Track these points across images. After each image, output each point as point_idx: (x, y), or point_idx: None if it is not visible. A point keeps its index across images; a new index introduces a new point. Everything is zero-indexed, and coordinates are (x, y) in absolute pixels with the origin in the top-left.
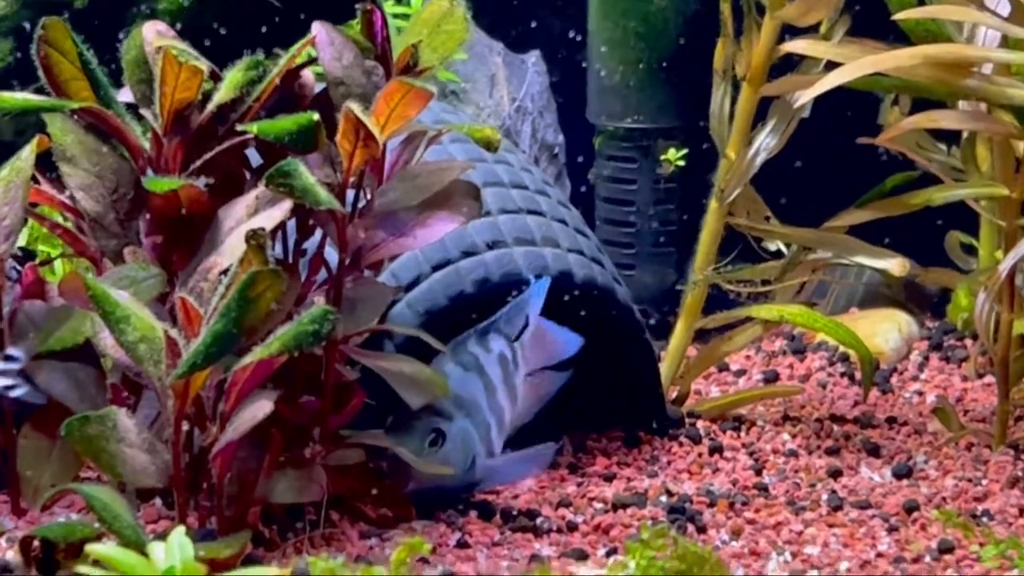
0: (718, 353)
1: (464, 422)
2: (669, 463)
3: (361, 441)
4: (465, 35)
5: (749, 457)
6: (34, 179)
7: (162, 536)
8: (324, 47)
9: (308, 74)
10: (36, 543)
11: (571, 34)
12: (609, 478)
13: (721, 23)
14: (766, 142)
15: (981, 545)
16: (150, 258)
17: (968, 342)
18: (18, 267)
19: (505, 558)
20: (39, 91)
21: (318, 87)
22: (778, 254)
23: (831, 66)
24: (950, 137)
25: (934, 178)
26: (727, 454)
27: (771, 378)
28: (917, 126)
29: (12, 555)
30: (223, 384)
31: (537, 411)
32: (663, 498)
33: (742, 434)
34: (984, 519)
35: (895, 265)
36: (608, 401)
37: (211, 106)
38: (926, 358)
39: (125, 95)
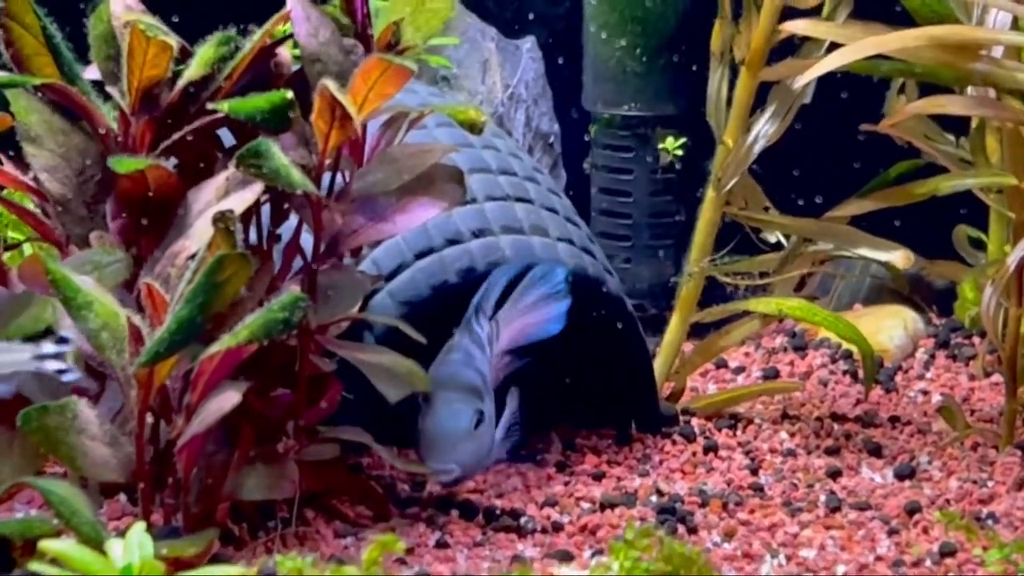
0: (714, 348)
1: (488, 402)
2: (661, 462)
3: (337, 436)
4: (450, 13)
5: (745, 456)
6: None
7: (124, 533)
8: (300, 23)
9: (284, 52)
10: None
11: (567, 19)
12: (598, 477)
13: (719, 4)
14: (765, 129)
15: (985, 549)
16: (117, 242)
17: (976, 340)
18: None
19: (486, 559)
20: (1, 68)
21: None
22: (777, 246)
23: (833, 49)
24: (959, 128)
25: (942, 170)
26: (722, 453)
27: (771, 375)
28: (922, 111)
29: None
30: (190, 375)
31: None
32: (653, 498)
33: (738, 432)
34: (989, 522)
35: (899, 257)
36: (599, 397)
37: (181, 84)
38: (932, 356)
39: (92, 72)
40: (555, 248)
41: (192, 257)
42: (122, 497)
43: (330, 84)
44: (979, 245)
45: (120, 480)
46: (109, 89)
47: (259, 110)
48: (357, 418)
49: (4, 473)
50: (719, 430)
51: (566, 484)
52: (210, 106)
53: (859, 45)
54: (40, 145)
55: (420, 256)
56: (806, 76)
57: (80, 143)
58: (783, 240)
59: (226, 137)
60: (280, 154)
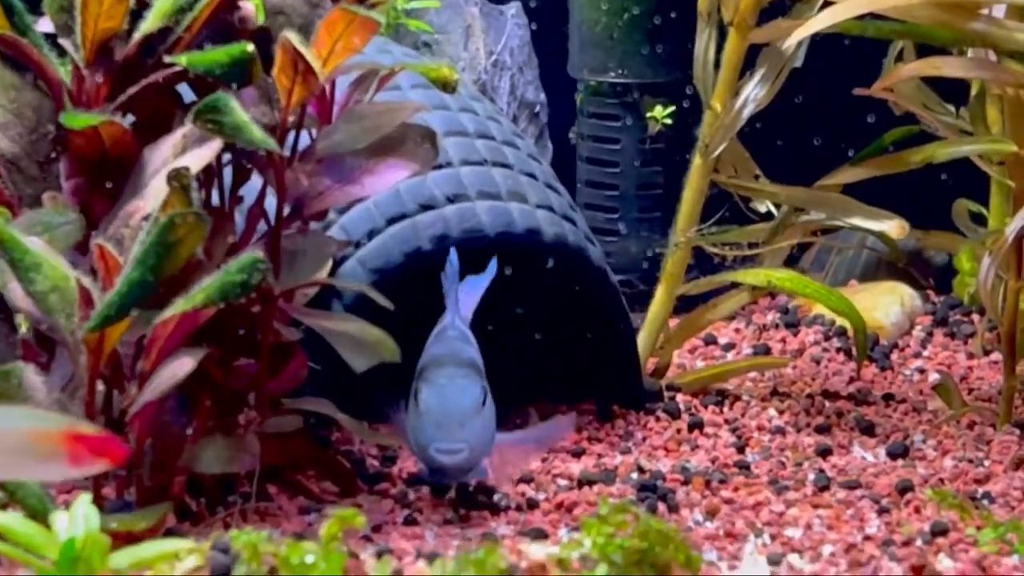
0: (701, 322)
1: (487, 385)
2: (644, 439)
3: (301, 408)
4: None
5: (731, 434)
6: None
7: None
8: None
9: (248, 5)
10: None
11: None
12: (578, 454)
13: None
14: (754, 93)
15: (979, 528)
16: (70, 203)
17: (975, 317)
18: None
19: (456, 537)
20: None
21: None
22: (768, 215)
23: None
24: (959, 98)
25: (940, 139)
26: (708, 430)
27: (762, 352)
28: (917, 74)
29: None
30: (144, 341)
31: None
32: (634, 475)
33: (725, 409)
34: (984, 502)
35: (893, 227)
36: (580, 371)
37: (138, 36)
38: (930, 334)
39: (44, 24)
40: (534, 215)
41: (147, 218)
42: None
43: (292, 36)
44: (980, 221)
45: None
46: (62, 42)
47: (218, 63)
48: (327, 391)
49: None
50: (705, 407)
51: (543, 460)
52: (167, 59)
53: (851, 3)
54: None
55: (392, 222)
56: (796, 35)
57: (32, 99)
58: (773, 210)
59: (187, 94)
60: (240, 110)
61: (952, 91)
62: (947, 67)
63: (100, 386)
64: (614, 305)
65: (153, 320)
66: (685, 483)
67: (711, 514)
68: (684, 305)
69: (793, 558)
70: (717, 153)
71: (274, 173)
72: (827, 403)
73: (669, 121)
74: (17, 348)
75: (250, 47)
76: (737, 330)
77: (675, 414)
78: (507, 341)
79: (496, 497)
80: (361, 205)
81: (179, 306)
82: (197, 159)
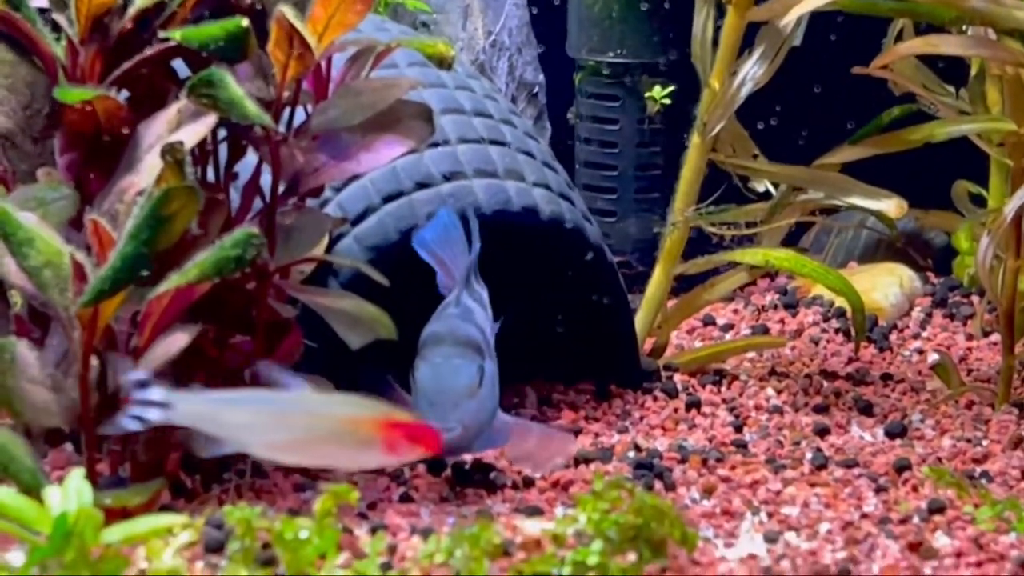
0: (699, 302)
1: (490, 362)
2: (641, 418)
3: None
4: None
5: (729, 413)
6: None
7: None
8: None
9: None
10: None
11: None
12: (575, 433)
13: None
14: (753, 71)
15: (976, 506)
16: (65, 178)
17: (975, 299)
18: None
19: (452, 514)
20: None
21: None
22: (766, 195)
23: None
24: (958, 80)
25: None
26: (705, 410)
27: (760, 333)
28: (915, 52)
29: None
30: (138, 317)
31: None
32: (631, 454)
33: (723, 389)
34: (983, 481)
35: (892, 206)
36: (577, 350)
37: (133, 11)
38: (929, 315)
39: (39, 0)
40: (531, 193)
41: (141, 193)
42: (69, 447)
43: (287, 11)
44: (980, 203)
45: (63, 426)
46: (56, 17)
47: (213, 38)
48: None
49: None
50: (703, 386)
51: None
52: (162, 34)
53: None
54: None
55: (389, 200)
56: (794, 13)
57: (27, 75)
58: (772, 189)
59: (182, 70)
60: (235, 84)
61: (952, 73)
62: (945, 45)
63: (94, 362)
64: (612, 284)
65: (147, 295)
66: (682, 462)
67: (708, 492)
68: (683, 285)
69: (790, 536)
70: (715, 132)
71: (269, 149)
72: (825, 383)
73: (668, 101)
74: (11, 323)
75: (245, 22)
76: (736, 311)
77: (672, 393)
78: (504, 320)
79: (493, 475)
80: (357, 183)
81: (173, 281)
82: (191, 134)
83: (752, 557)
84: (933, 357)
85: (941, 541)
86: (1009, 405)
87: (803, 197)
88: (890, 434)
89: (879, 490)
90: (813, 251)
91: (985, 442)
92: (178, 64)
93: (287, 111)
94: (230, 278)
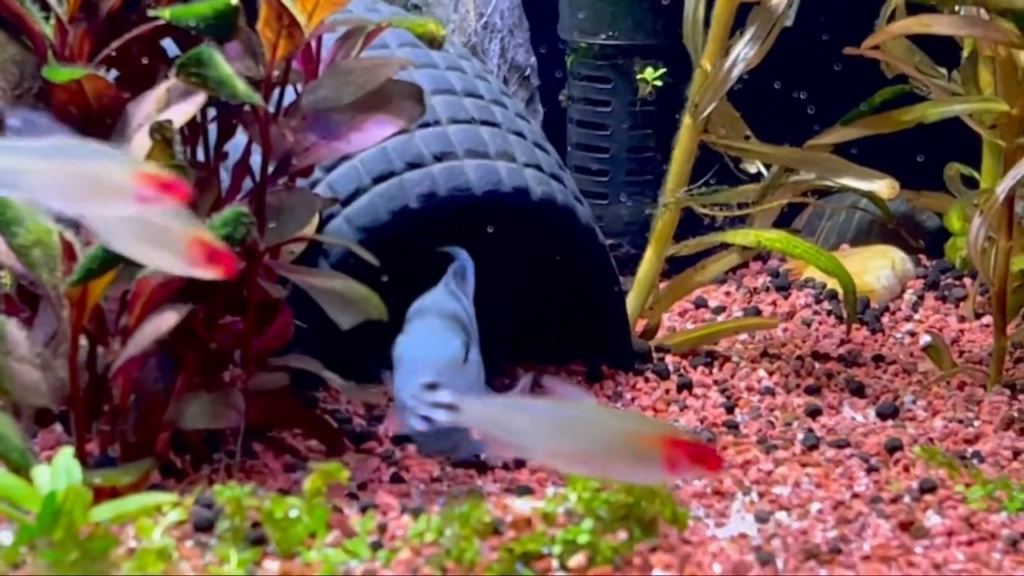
0: (691, 283)
1: (474, 347)
2: (633, 400)
3: (286, 365)
4: None
5: (721, 394)
6: None
7: None
8: None
9: None
10: None
11: None
12: None
13: None
14: (744, 52)
15: (967, 486)
16: None
17: (967, 281)
18: None
19: (443, 494)
20: None
21: None
22: (758, 176)
23: None
24: (951, 61)
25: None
26: (697, 391)
27: (752, 315)
28: (907, 31)
29: None
30: (128, 296)
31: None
32: None
33: (715, 370)
34: (974, 461)
35: (884, 187)
36: (569, 332)
37: None
38: (921, 297)
39: None
40: (522, 173)
41: None
42: (59, 427)
43: None
44: (973, 184)
45: (51, 406)
46: None
47: (202, 17)
48: (320, 350)
49: None
50: (694, 368)
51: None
52: (151, 13)
53: None
54: None
55: (379, 180)
56: None
57: (16, 54)
58: (763, 170)
59: (171, 49)
60: (224, 63)
61: (944, 54)
62: (937, 24)
63: (83, 341)
64: (603, 264)
65: (136, 275)
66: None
67: None
68: (675, 267)
69: (781, 515)
70: (707, 113)
71: (259, 128)
72: (817, 364)
73: (660, 83)
74: (0, 303)
75: (234, 0)
76: (728, 293)
77: (664, 375)
78: (495, 301)
79: (483, 456)
80: (348, 163)
81: None
82: (180, 113)
83: (743, 536)
84: (925, 339)
85: (932, 520)
86: (1001, 386)
87: (795, 178)
88: (882, 415)
89: (870, 470)
90: (806, 233)
91: (977, 423)
92: (167, 43)
93: (277, 90)
94: None
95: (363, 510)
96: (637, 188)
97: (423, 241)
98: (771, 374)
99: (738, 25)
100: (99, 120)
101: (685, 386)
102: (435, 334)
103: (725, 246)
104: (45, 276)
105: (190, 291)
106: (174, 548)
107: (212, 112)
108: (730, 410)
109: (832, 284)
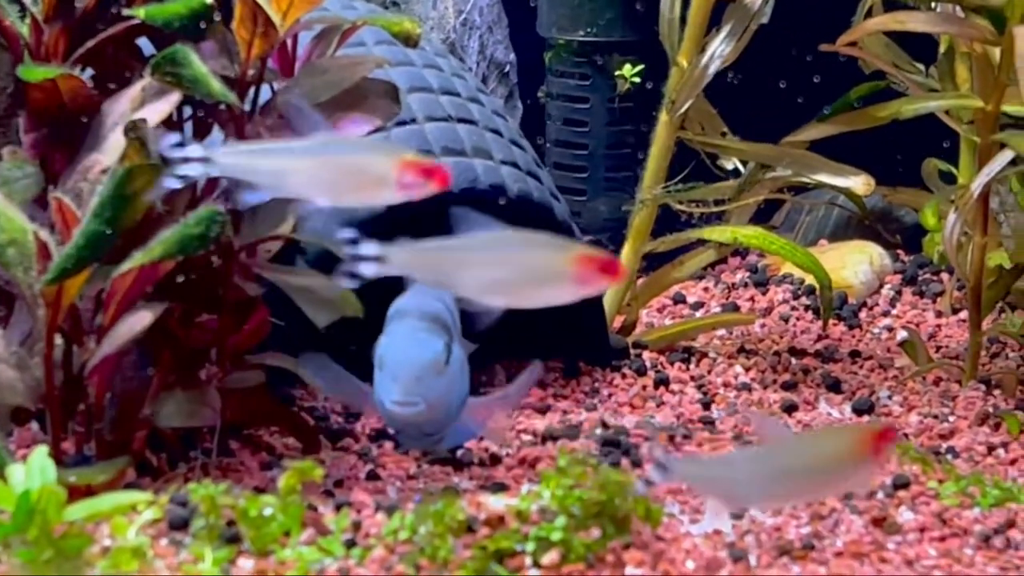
0: (667, 280)
1: (458, 346)
2: (610, 396)
3: (262, 362)
4: None
5: (697, 391)
6: None
7: None
8: None
9: None
10: None
11: None
12: (543, 411)
13: None
14: (720, 49)
15: (941, 482)
16: (29, 157)
17: (944, 276)
18: None
19: (418, 491)
20: None
21: None
22: (735, 173)
23: None
24: (928, 57)
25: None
26: (674, 387)
27: (730, 311)
28: (882, 28)
29: None
30: (103, 295)
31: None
32: (598, 431)
33: (692, 366)
34: (949, 456)
35: (859, 183)
36: (546, 329)
37: None
38: (899, 292)
39: None
40: (498, 171)
41: (106, 171)
42: (35, 426)
43: None
44: (951, 180)
45: (27, 404)
46: None
47: (177, 16)
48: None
49: None
50: (671, 364)
51: (508, 417)
52: (126, 12)
53: None
54: None
55: None
56: None
57: None
58: (740, 167)
59: (148, 49)
60: (199, 62)
61: (921, 51)
62: (913, 22)
63: (59, 340)
64: None
65: (112, 274)
66: (649, 438)
67: None
68: (652, 264)
69: (755, 512)
70: (684, 110)
71: (234, 127)
72: (794, 360)
73: (638, 80)
74: None
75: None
76: (706, 289)
77: (641, 371)
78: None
79: (459, 453)
80: None
81: (137, 259)
82: (155, 112)
83: (717, 533)
84: (901, 334)
85: (905, 516)
86: (976, 381)
87: (771, 175)
88: (857, 411)
89: None
90: (785, 229)
91: (952, 418)
92: (143, 42)
93: (252, 89)
94: (195, 256)
95: (338, 508)
96: (615, 184)
97: (400, 238)
98: (748, 370)
99: (715, 22)
100: (74, 119)
101: (662, 382)
102: (416, 336)
103: (702, 242)
104: (20, 275)
105: (165, 290)
106: (149, 546)
107: (187, 111)
108: (707, 406)
109: (810, 279)
